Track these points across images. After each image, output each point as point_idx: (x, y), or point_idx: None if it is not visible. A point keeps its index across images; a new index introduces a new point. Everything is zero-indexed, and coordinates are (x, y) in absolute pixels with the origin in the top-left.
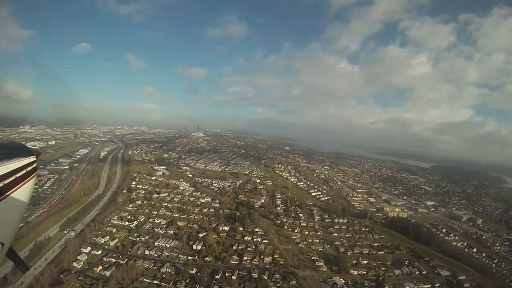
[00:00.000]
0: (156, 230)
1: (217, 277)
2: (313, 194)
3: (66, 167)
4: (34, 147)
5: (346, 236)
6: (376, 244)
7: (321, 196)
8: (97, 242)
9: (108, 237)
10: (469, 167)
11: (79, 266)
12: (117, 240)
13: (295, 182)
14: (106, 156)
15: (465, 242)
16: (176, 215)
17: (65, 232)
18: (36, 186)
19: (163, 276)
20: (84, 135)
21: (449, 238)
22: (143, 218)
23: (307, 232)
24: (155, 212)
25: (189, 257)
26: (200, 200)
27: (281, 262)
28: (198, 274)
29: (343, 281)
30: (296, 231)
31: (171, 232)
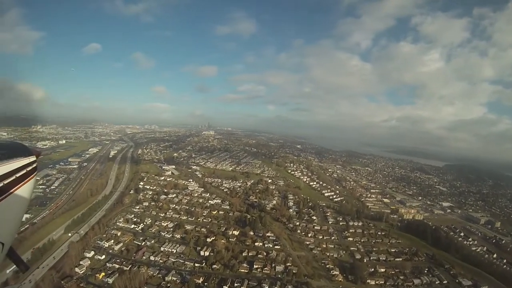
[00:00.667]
0: (163, 234)
1: (225, 287)
2: (326, 194)
3: (75, 166)
4: (44, 146)
5: (362, 240)
6: (393, 250)
7: (334, 196)
8: (101, 246)
9: (112, 240)
10: (483, 166)
11: (82, 272)
12: (121, 244)
13: (307, 181)
14: (116, 155)
15: (485, 247)
16: (184, 218)
17: (70, 234)
18: (43, 186)
19: (168, 285)
20: (95, 134)
21: (467, 243)
22: (150, 221)
23: (321, 237)
24: (162, 215)
25: (196, 264)
26: (209, 201)
27: (294, 271)
28: (205, 284)
29: None
30: (309, 235)
31: (178, 236)
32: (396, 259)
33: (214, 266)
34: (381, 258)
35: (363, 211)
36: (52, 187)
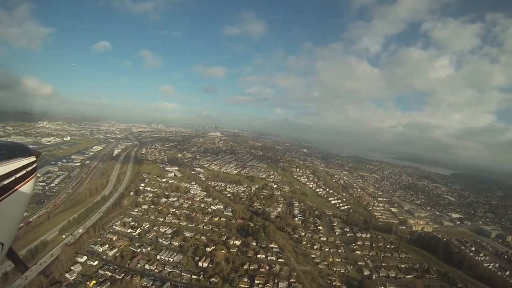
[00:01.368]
0: (160, 240)
1: None
2: (332, 202)
3: (78, 164)
4: (49, 142)
5: (370, 254)
6: (404, 266)
7: (341, 204)
8: (95, 251)
9: (107, 245)
10: (492, 175)
11: (72, 278)
12: (116, 249)
13: (313, 188)
14: (119, 154)
15: (497, 263)
16: (184, 224)
17: (64, 236)
18: (43, 183)
19: None
20: (100, 131)
21: (479, 258)
22: (148, 226)
23: (327, 249)
24: (161, 219)
25: (193, 276)
26: (211, 207)
27: None
28: None
29: None
30: (315, 247)
31: (176, 243)
32: (406, 276)
33: (212, 279)
34: (390, 275)
35: (371, 221)
36: (52, 185)
